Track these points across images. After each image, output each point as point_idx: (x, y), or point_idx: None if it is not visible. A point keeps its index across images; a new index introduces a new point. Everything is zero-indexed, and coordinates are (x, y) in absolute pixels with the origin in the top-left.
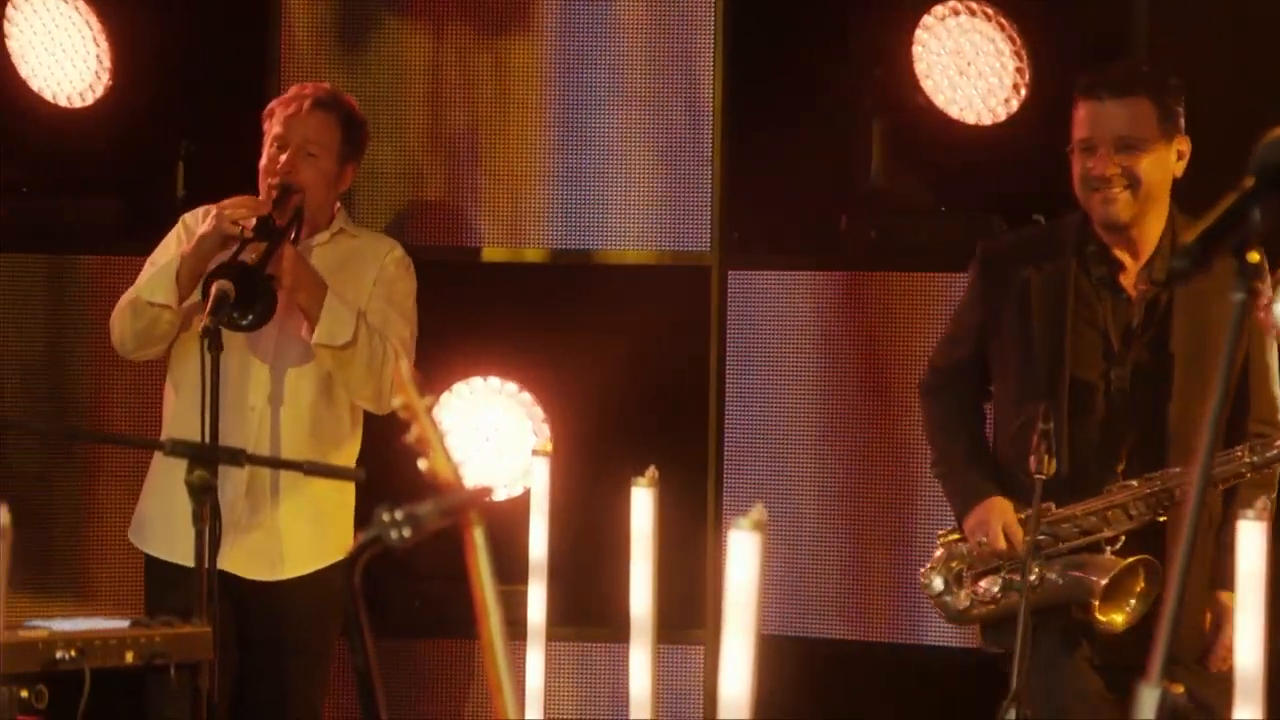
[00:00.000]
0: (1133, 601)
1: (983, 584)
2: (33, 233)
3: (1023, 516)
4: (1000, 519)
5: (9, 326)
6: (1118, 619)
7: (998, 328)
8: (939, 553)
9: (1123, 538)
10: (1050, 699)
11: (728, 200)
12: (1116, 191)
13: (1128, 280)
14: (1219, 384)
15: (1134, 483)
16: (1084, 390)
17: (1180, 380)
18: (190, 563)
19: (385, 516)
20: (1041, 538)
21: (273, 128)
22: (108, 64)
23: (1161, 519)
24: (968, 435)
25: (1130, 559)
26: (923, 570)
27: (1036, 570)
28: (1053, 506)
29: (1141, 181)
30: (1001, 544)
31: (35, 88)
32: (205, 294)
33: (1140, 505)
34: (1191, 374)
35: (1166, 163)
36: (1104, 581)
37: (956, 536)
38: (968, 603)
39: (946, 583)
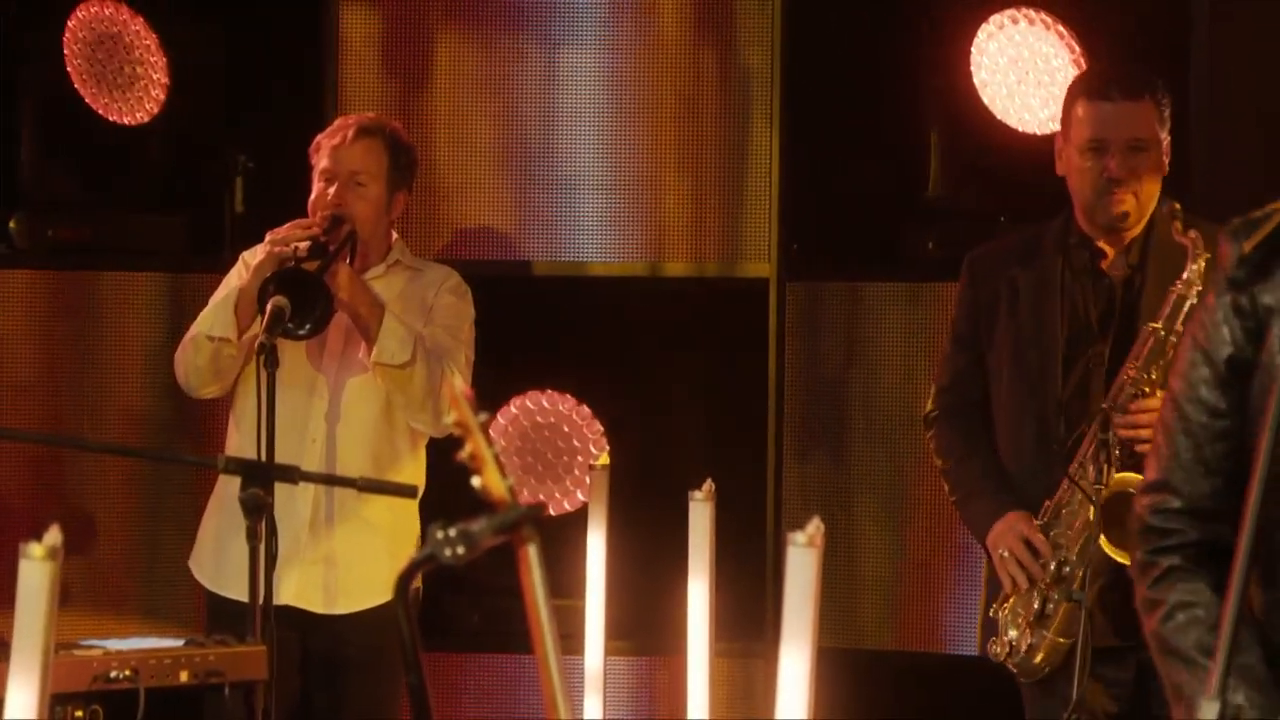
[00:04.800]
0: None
1: (1021, 611)
2: (95, 249)
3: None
4: (1018, 530)
5: (69, 343)
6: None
7: (991, 337)
8: (1000, 623)
9: None
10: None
11: (786, 213)
12: (1126, 194)
13: (1108, 264)
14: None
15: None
16: (1069, 371)
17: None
18: (246, 598)
19: (439, 534)
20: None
21: (320, 161)
22: (164, 80)
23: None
24: (980, 460)
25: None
26: (990, 644)
27: (1080, 574)
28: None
29: (1147, 183)
30: (1022, 551)
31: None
32: (261, 312)
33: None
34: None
35: (1163, 162)
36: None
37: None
38: (1028, 641)
39: (1012, 643)
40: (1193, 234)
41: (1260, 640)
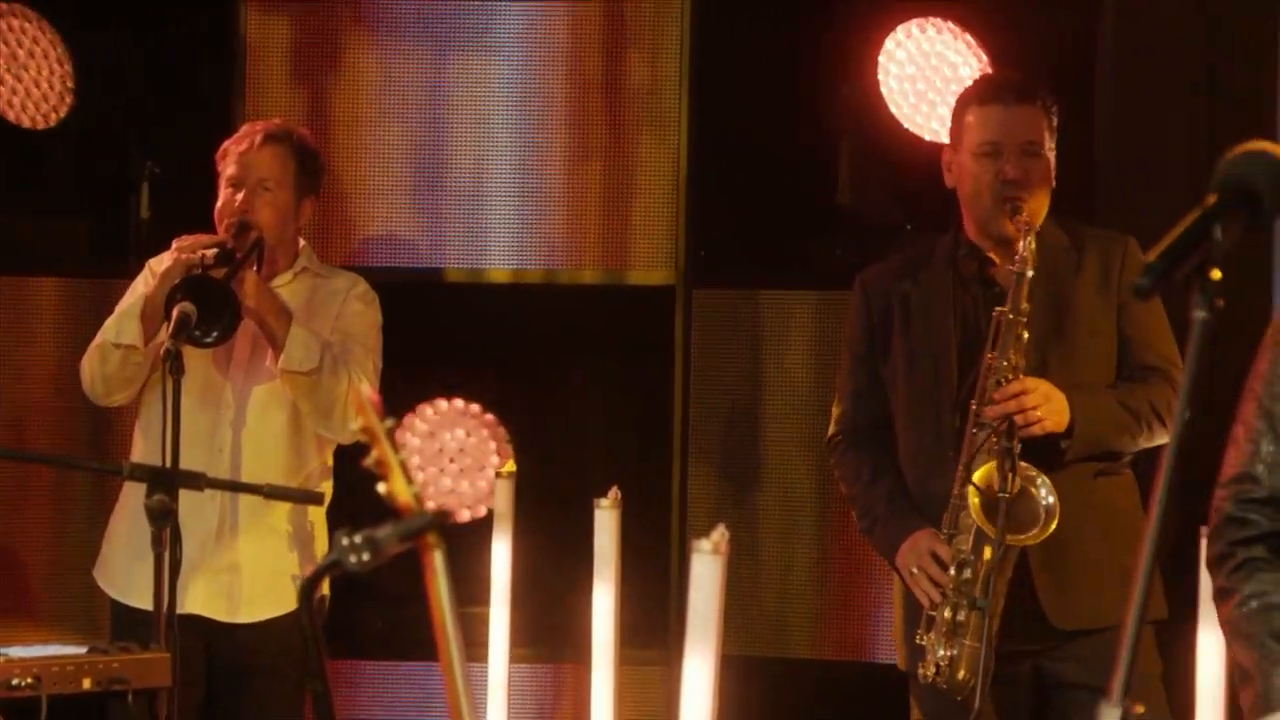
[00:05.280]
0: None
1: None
2: None
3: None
4: (924, 546)
5: None
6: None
7: (887, 352)
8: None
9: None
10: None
11: (693, 220)
12: (1022, 203)
13: (997, 273)
14: (1181, 398)
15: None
16: (964, 379)
17: (1033, 358)
18: (152, 607)
19: (345, 541)
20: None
21: (226, 168)
22: (71, 85)
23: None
24: (885, 483)
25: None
26: (920, 669)
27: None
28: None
29: (1038, 189)
30: (929, 564)
31: None
32: (168, 318)
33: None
34: (1049, 351)
35: (1051, 173)
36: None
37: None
38: (949, 655)
39: (939, 664)
40: (1020, 219)
41: None
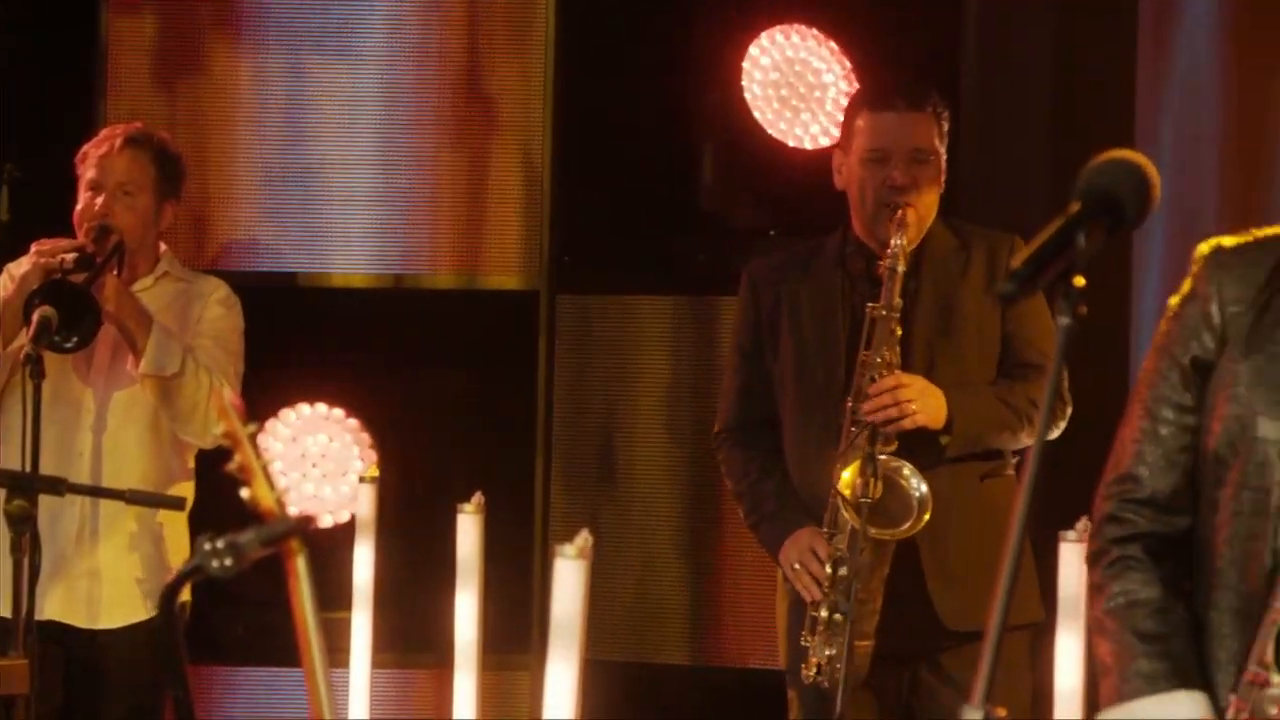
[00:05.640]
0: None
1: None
2: None
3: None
4: (805, 542)
5: None
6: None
7: (775, 349)
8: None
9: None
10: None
11: (557, 225)
12: (908, 210)
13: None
14: (1045, 400)
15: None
16: (851, 379)
17: (922, 357)
18: (10, 613)
19: (207, 546)
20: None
21: (86, 171)
22: None
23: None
24: (773, 481)
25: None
26: (803, 669)
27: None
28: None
29: (927, 194)
30: (810, 561)
31: None
32: (28, 321)
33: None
34: (937, 350)
35: (941, 176)
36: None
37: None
38: (829, 653)
39: (820, 664)
40: (900, 214)
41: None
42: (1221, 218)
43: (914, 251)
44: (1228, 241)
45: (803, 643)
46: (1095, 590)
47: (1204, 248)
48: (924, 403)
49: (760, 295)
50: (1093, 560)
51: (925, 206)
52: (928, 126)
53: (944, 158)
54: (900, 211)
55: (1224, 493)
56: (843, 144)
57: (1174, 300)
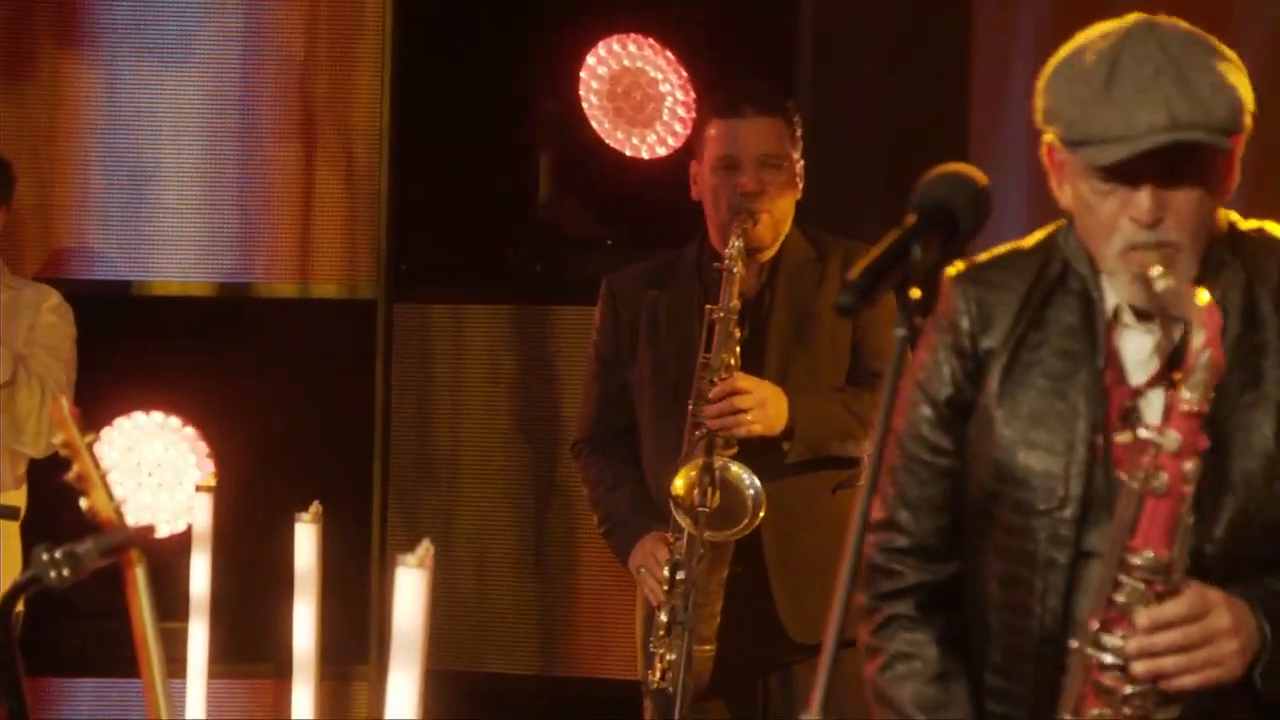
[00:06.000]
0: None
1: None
2: None
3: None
4: (651, 548)
5: None
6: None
7: (634, 358)
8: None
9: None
10: None
11: (394, 234)
12: (762, 214)
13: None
14: (880, 413)
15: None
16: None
17: (776, 365)
18: None
19: (44, 556)
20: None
21: None
22: None
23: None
24: (626, 488)
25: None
26: (649, 674)
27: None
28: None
29: (780, 200)
30: (654, 567)
31: None
32: None
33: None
34: (792, 358)
35: (796, 181)
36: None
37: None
38: (670, 659)
39: (665, 671)
40: (740, 216)
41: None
42: (1032, 209)
43: (770, 259)
44: (979, 261)
45: (651, 649)
46: (870, 653)
47: (952, 270)
48: (761, 411)
49: (619, 304)
50: (864, 616)
51: (779, 211)
52: (777, 131)
53: (799, 163)
54: (741, 214)
55: (988, 540)
56: (696, 153)
57: (928, 324)
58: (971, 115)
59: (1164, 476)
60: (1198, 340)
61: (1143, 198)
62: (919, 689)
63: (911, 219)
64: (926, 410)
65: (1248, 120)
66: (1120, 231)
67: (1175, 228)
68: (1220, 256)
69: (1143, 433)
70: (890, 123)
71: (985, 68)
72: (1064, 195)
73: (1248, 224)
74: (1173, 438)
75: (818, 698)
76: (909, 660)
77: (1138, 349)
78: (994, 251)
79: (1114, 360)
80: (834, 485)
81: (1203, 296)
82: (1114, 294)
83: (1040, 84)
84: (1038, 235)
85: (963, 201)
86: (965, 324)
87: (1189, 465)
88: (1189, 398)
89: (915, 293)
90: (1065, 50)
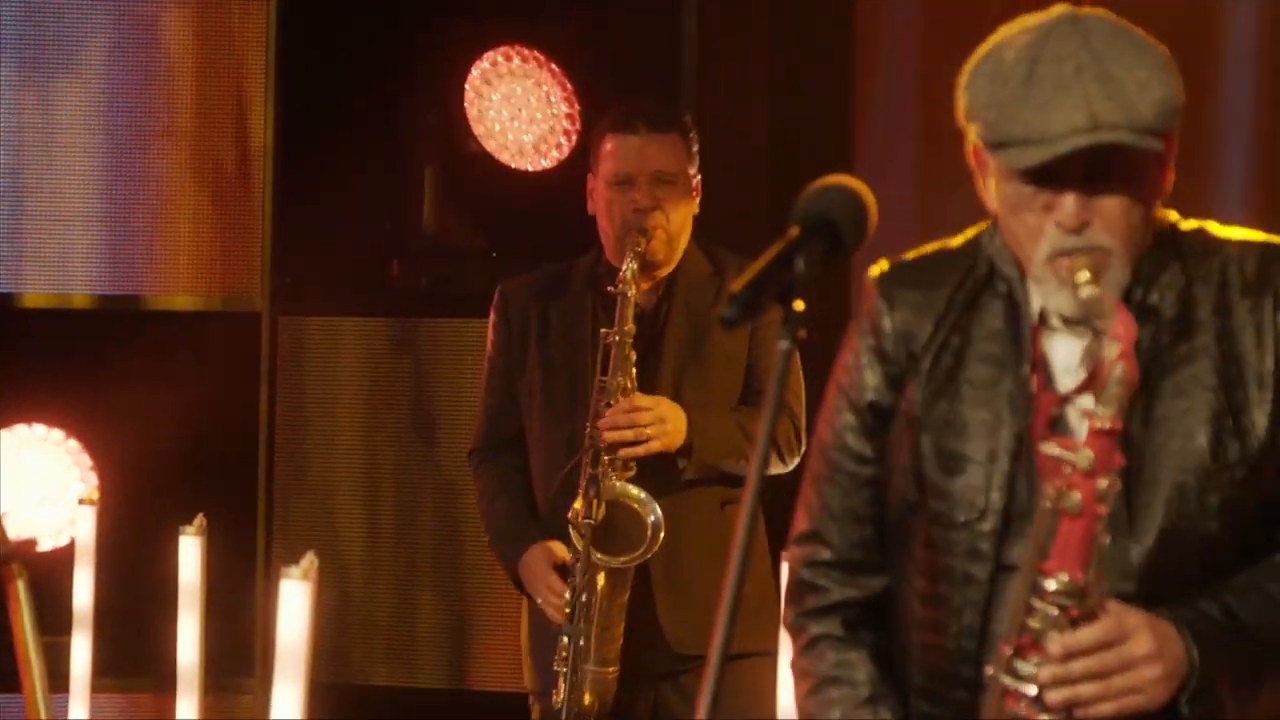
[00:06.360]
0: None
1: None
2: None
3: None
4: (543, 563)
5: None
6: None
7: (524, 368)
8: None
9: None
10: None
11: (278, 246)
12: (656, 230)
13: (636, 296)
14: (764, 428)
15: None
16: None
17: (670, 380)
18: None
19: None
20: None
21: None
22: None
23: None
24: (508, 498)
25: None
26: (552, 695)
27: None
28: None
29: (675, 216)
30: (552, 583)
31: None
32: None
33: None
34: (685, 374)
35: (693, 197)
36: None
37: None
38: (571, 680)
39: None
40: (641, 239)
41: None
42: (920, 219)
43: (668, 275)
44: (903, 261)
45: (555, 668)
46: (798, 674)
47: (875, 270)
48: (660, 428)
49: (511, 315)
50: (791, 634)
51: (674, 227)
52: (673, 148)
53: (695, 179)
54: (633, 233)
55: (909, 555)
56: (592, 169)
57: (851, 327)
58: (854, 127)
59: (1076, 496)
60: (1110, 352)
61: (1068, 202)
62: (848, 714)
63: (794, 231)
64: (849, 417)
65: (1175, 120)
66: (1047, 236)
67: (1104, 232)
68: (1159, 258)
69: (1054, 450)
70: (774, 133)
71: (867, 80)
72: (990, 197)
73: (1188, 224)
74: (1085, 455)
75: (704, 704)
76: (838, 684)
77: (1067, 354)
78: (921, 250)
79: (1041, 366)
80: (722, 501)
81: (1117, 307)
82: (1041, 299)
83: (961, 80)
84: (966, 234)
85: (845, 213)
86: (887, 326)
87: (1104, 483)
88: (1101, 413)
89: (799, 305)
90: (986, 45)
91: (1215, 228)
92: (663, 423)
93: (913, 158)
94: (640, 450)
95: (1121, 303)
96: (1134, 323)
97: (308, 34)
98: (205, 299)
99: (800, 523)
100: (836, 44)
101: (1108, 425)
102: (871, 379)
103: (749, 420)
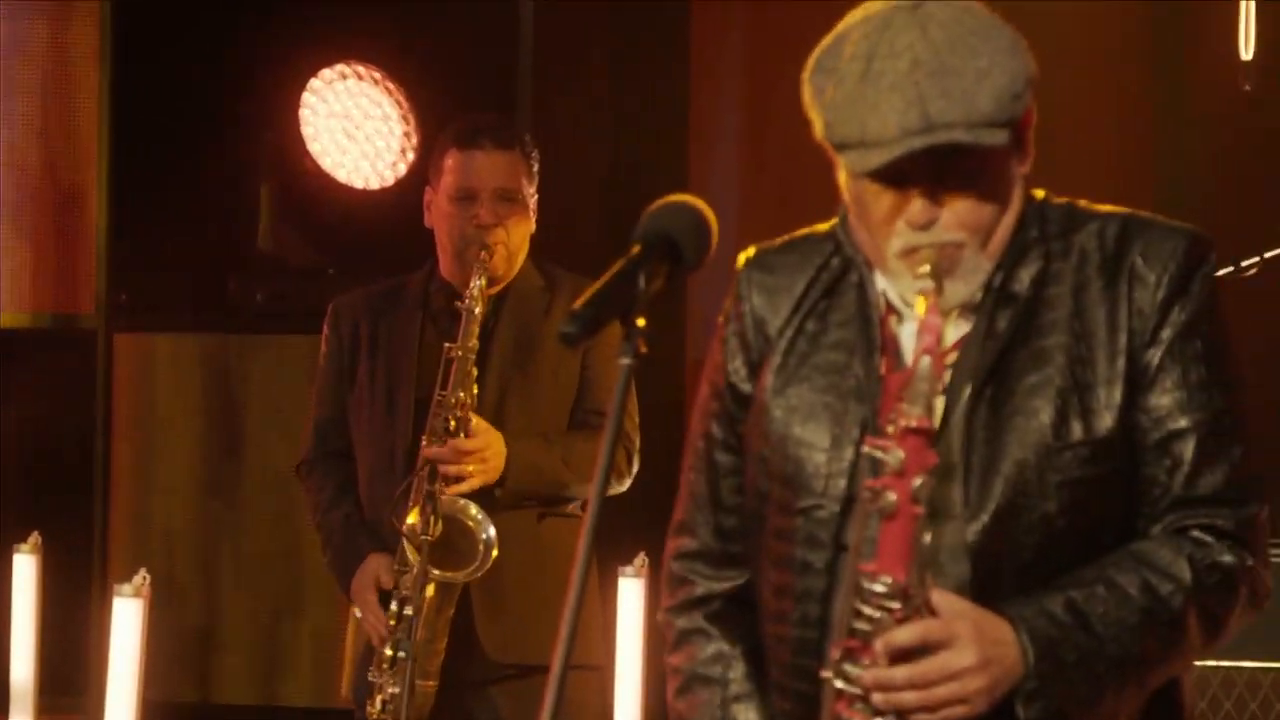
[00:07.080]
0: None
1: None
2: None
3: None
4: (372, 576)
5: None
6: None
7: (353, 382)
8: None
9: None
10: None
11: (115, 263)
12: (497, 246)
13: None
14: (609, 435)
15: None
16: (423, 415)
17: (494, 392)
18: None
19: None
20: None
21: None
22: None
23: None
24: (340, 510)
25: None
26: (367, 707)
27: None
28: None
29: (514, 232)
30: (372, 596)
31: None
32: None
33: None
34: (511, 387)
35: (530, 216)
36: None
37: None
38: (393, 691)
39: (385, 701)
40: (482, 255)
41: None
42: (742, 217)
43: (499, 290)
44: (768, 246)
45: (371, 678)
46: (669, 671)
47: (743, 256)
48: (483, 465)
49: (342, 328)
50: (663, 631)
51: (514, 244)
52: (515, 166)
53: (534, 198)
54: (482, 253)
55: (762, 545)
56: (432, 182)
57: (720, 318)
58: (690, 146)
59: (891, 497)
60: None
61: (914, 200)
62: (713, 715)
63: (636, 249)
64: (714, 404)
65: (1022, 104)
66: (898, 232)
67: (955, 226)
68: (1022, 242)
69: (867, 449)
70: (613, 151)
71: (701, 99)
72: (844, 190)
73: (1057, 201)
74: (896, 455)
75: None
76: (707, 683)
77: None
78: (789, 235)
79: (892, 350)
80: (539, 513)
81: (921, 305)
82: (894, 289)
83: (805, 75)
84: (834, 220)
85: (686, 230)
86: (748, 311)
87: (917, 482)
88: (909, 411)
89: (640, 321)
90: (828, 38)
91: (1083, 204)
92: (485, 461)
93: (738, 172)
94: (464, 487)
95: (935, 298)
96: (939, 320)
97: (142, 50)
98: (36, 316)
99: (675, 513)
100: (674, 59)
101: (915, 424)
102: (732, 364)
103: (572, 454)
